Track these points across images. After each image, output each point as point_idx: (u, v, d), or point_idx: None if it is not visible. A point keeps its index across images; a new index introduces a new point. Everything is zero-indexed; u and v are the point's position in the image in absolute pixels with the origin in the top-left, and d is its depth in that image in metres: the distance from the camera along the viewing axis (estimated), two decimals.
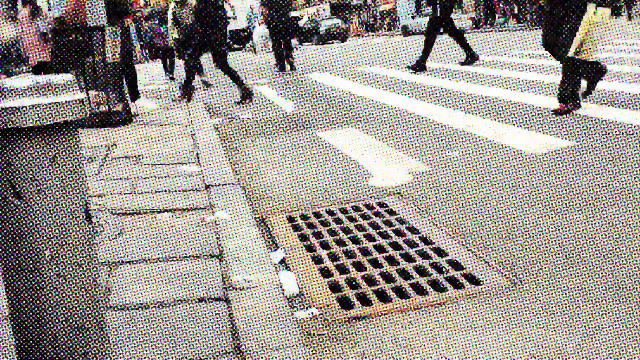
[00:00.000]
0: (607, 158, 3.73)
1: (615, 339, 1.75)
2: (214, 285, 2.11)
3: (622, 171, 3.40)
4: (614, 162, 3.61)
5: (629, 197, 2.97)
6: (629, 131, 4.42)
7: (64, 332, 1.33)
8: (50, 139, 1.26)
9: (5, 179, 1.25)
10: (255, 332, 1.77)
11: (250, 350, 1.67)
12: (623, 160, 3.64)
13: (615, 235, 2.51)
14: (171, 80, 12.42)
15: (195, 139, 5.00)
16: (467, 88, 7.78)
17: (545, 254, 2.38)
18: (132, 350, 1.72)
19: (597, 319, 1.87)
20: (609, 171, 3.43)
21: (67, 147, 1.29)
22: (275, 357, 1.64)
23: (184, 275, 2.22)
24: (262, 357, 1.65)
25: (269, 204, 3.37)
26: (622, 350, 1.69)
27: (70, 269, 1.32)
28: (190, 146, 4.74)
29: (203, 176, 3.70)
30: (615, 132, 4.44)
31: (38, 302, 1.31)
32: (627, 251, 2.34)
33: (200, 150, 4.49)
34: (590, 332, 1.80)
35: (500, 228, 2.71)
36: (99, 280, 1.41)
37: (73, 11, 6.93)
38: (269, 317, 1.85)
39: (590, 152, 3.91)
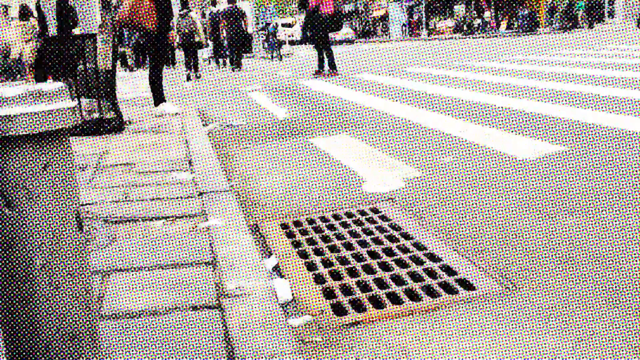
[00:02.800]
0: (600, 163, 3.75)
1: (610, 342, 1.76)
2: (208, 293, 2.11)
3: (615, 175, 3.42)
4: (606, 167, 3.63)
5: (622, 201, 2.98)
6: (620, 136, 4.45)
7: (56, 341, 1.33)
8: (41, 147, 1.25)
9: None
10: (249, 339, 1.76)
11: (244, 358, 1.67)
12: (615, 165, 3.66)
13: (609, 238, 2.52)
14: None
15: (188, 146, 5.00)
16: (459, 94, 7.81)
17: (539, 259, 2.39)
18: (125, 359, 1.71)
19: (591, 323, 1.87)
20: (601, 175, 3.44)
21: (59, 155, 1.29)
22: None
23: (177, 283, 2.21)
24: None
25: (262, 210, 3.36)
26: (617, 354, 1.70)
27: (63, 277, 1.32)
28: (183, 153, 4.73)
29: (196, 183, 3.69)
30: (607, 136, 4.47)
31: (30, 310, 1.31)
32: (621, 254, 2.35)
33: (193, 157, 4.48)
34: (585, 336, 1.80)
35: (493, 233, 2.72)
36: (92, 289, 1.40)
37: (130, 13, 6.97)
38: (262, 325, 1.85)
39: (582, 157, 3.93)
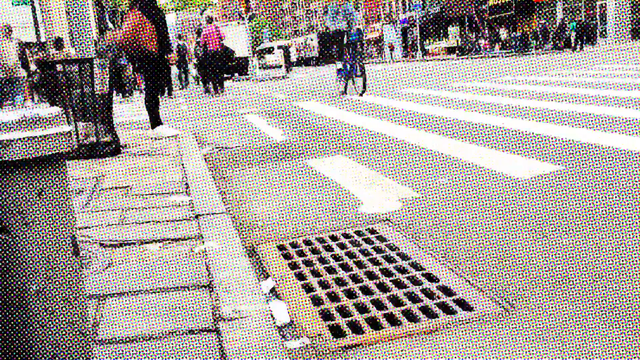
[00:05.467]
0: (596, 182, 3.76)
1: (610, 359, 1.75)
2: (204, 317, 2.09)
3: (611, 194, 3.43)
4: (602, 186, 3.64)
5: (618, 219, 2.99)
6: (616, 155, 4.47)
7: None
8: (37, 172, 1.25)
9: None
10: None
11: None
12: (611, 184, 3.67)
13: (606, 257, 2.52)
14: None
15: (184, 169, 5.00)
16: (455, 114, 7.85)
17: (536, 278, 2.38)
18: None
19: (590, 342, 1.86)
20: (598, 194, 3.45)
21: (55, 180, 1.29)
22: None
23: (174, 306, 2.19)
24: None
25: (259, 232, 3.36)
26: None
27: (58, 302, 1.31)
28: (179, 176, 4.73)
29: (192, 206, 3.68)
30: (602, 156, 4.49)
31: (24, 336, 1.29)
32: (618, 273, 2.34)
33: (190, 180, 4.48)
34: (584, 354, 1.79)
35: (490, 253, 2.71)
36: (87, 314, 1.39)
37: (131, 34, 6.99)
38: (260, 348, 1.83)
39: (578, 176, 3.94)
